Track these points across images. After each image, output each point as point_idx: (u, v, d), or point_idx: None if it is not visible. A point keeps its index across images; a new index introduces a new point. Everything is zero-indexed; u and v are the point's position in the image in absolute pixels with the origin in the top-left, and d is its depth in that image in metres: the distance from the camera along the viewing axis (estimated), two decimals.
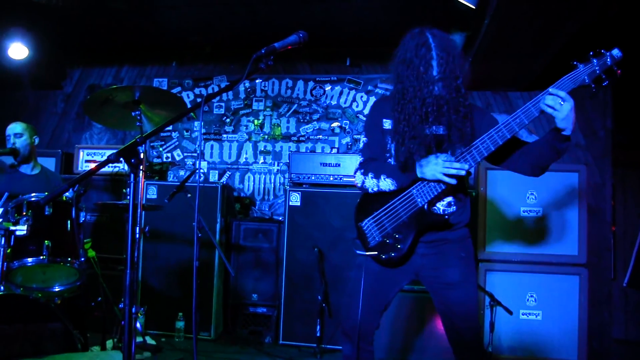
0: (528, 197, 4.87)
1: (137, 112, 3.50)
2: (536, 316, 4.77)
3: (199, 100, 6.41)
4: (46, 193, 3.60)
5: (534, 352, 4.72)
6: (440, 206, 2.71)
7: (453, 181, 2.56)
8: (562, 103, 2.40)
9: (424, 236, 2.73)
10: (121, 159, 1.96)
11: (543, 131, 5.73)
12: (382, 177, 2.71)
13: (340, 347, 2.94)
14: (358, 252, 2.82)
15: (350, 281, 2.92)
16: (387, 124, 2.77)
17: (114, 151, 1.99)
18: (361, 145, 2.91)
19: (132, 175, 2.00)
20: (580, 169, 4.90)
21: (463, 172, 2.55)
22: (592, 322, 4.80)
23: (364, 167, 2.83)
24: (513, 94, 5.97)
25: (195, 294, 3.97)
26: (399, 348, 4.70)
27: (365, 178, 2.79)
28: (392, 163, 2.75)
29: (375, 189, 2.74)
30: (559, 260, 4.79)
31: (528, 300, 4.78)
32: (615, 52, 2.45)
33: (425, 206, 2.66)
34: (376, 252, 2.76)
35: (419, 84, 2.55)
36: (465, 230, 2.80)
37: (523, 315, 4.77)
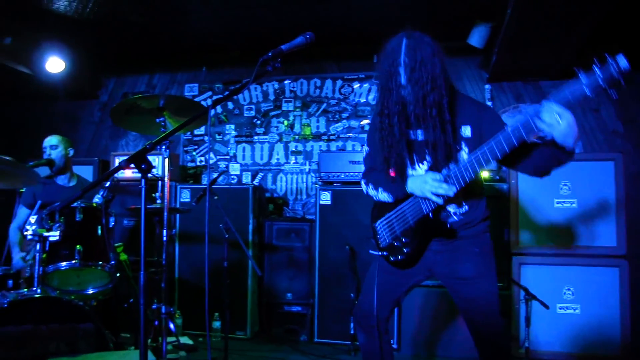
0: (561, 188, 4.78)
1: (161, 119, 3.60)
2: (574, 310, 4.65)
3: (230, 103, 6.53)
4: (81, 202, 3.74)
5: (573, 346, 4.60)
6: (451, 209, 2.68)
7: (440, 201, 2.53)
8: (559, 122, 2.22)
9: (431, 240, 2.74)
10: (132, 165, 2.03)
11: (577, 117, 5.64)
12: (379, 189, 2.84)
13: None
14: (371, 251, 2.92)
15: (367, 273, 2.97)
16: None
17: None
18: (364, 154, 3.00)
19: (142, 180, 2.07)
20: (616, 157, 4.75)
21: (451, 194, 2.49)
22: (635, 316, 4.63)
23: (366, 178, 2.97)
24: (545, 83, 5.85)
25: (227, 295, 4.08)
26: (425, 342, 4.70)
27: (367, 188, 2.94)
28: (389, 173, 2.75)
29: (375, 199, 2.89)
30: (596, 252, 4.66)
31: (565, 293, 4.67)
32: (622, 62, 2.12)
33: (431, 214, 2.65)
34: (386, 253, 2.83)
35: (388, 92, 2.53)
36: (480, 227, 2.73)
37: (560, 309, 4.66)
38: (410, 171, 2.71)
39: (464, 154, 2.57)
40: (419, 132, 2.63)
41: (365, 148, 2.97)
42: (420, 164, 2.69)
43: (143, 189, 2.07)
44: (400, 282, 2.85)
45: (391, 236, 2.80)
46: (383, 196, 2.82)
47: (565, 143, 2.31)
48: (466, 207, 2.69)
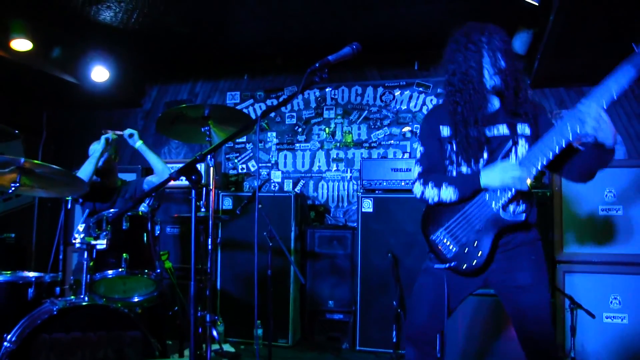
0: (606, 195, 4.64)
1: (206, 128, 3.63)
2: (622, 319, 4.49)
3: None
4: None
5: (621, 357, 4.46)
6: (511, 207, 2.62)
7: (525, 187, 2.48)
8: (599, 122, 2.29)
9: (501, 239, 2.64)
10: (182, 176, 2.04)
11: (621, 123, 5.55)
12: (443, 185, 2.63)
13: None
14: (436, 266, 2.71)
15: (415, 285, 2.86)
16: (445, 130, 2.70)
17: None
18: (418, 155, 2.81)
19: (193, 191, 2.08)
20: None
21: (531, 178, 2.47)
22: None
23: (423, 177, 2.74)
24: (587, 89, 5.69)
25: (270, 302, 4.08)
26: (474, 353, 4.61)
27: (425, 188, 2.70)
28: (453, 172, 2.70)
29: (436, 198, 2.66)
30: None
31: (612, 302, 4.52)
32: None
33: (501, 210, 2.57)
34: (454, 263, 2.67)
35: (478, 79, 2.54)
36: (535, 232, 2.70)
37: (607, 318, 4.51)
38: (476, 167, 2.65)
39: (523, 149, 2.59)
40: (497, 126, 2.62)
41: (420, 148, 2.80)
42: (481, 160, 2.64)
43: (193, 199, 2.09)
44: (455, 294, 2.73)
45: (457, 244, 2.67)
46: (446, 193, 2.61)
47: (605, 141, 2.35)
48: (524, 206, 2.64)
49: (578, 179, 2.65)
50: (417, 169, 2.79)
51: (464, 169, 2.68)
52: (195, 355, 3.77)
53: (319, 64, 2.33)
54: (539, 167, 2.48)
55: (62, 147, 7.07)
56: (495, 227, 2.59)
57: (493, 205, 2.59)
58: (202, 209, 4.16)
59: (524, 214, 2.60)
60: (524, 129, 2.59)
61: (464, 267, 2.65)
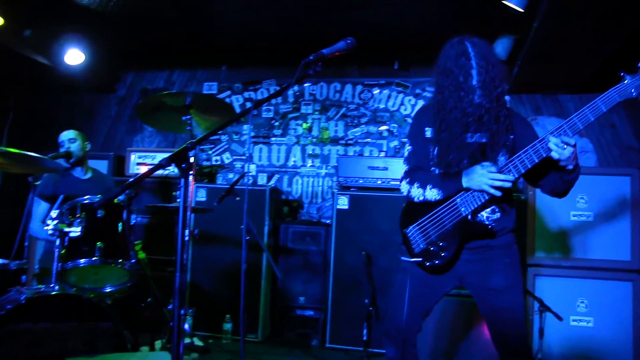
0: (578, 202, 4.73)
1: (187, 117, 3.54)
2: (587, 323, 4.62)
3: (248, 104, 6.49)
4: (99, 196, 3.69)
5: (587, 359, 4.58)
6: (485, 214, 2.71)
7: (498, 193, 2.54)
8: (564, 147, 2.42)
9: (468, 243, 2.73)
10: (172, 164, 1.98)
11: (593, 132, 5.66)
12: (428, 187, 2.72)
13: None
14: (403, 258, 2.85)
15: (394, 284, 2.93)
16: (428, 132, 2.78)
17: (166, 155, 2.02)
18: (406, 153, 2.92)
19: (182, 179, 2.02)
20: (633, 173, 4.73)
21: (509, 184, 2.53)
22: None
23: (409, 176, 2.84)
24: (563, 97, 5.86)
25: (243, 297, 4.01)
26: (444, 353, 4.64)
27: (411, 187, 2.81)
28: (437, 172, 2.76)
29: (421, 198, 2.75)
30: (610, 266, 4.63)
31: (579, 306, 4.64)
32: None
33: (470, 216, 2.66)
34: (421, 259, 2.78)
35: (459, 94, 2.57)
36: (510, 236, 2.79)
37: (574, 321, 4.63)
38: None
39: (502, 159, 2.66)
40: (478, 134, 2.65)
41: (408, 147, 2.90)
42: (461, 166, 2.68)
43: (182, 188, 2.02)
44: (431, 292, 2.84)
45: (426, 241, 2.77)
46: (431, 194, 2.71)
47: (566, 164, 2.50)
48: (499, 214, 2.72)
49: (551, 194, 2.79)
50: (404, 167, 2.90)
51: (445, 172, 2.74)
52: (167, 349, 3.70)
53: (313, 57, 2.30)
54: (515, 176, 2.56)
55: (30, 130, 6.87)
56: (463, 232, 2.69)
57: (462, 210, 2.66)
58: (178, 200, 4.07)
59: (495, 223, 2.69)
60: (504, 138, 2.64)
61: (427, 264, 2.76)
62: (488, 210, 2.70)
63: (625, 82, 2.35)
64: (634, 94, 2.34)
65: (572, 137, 2.42)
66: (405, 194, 2.85)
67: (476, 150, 2.64)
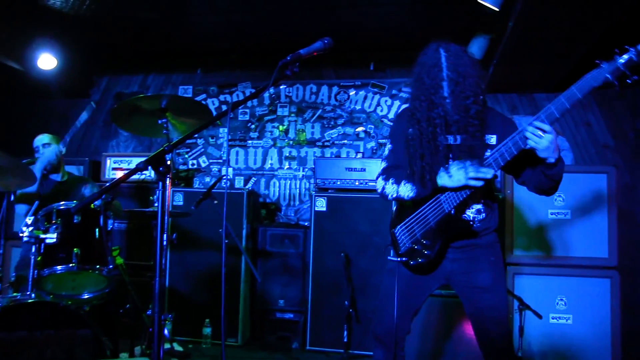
0: (556, 200, 4.77)
1: (163, 120, 3.51)
2: (566, 320, 4.66)
3: (224, 107, 6.46)
4: (75, 201, 3.65)
5: (566, 356, 4.62)
6: (470, 213, 2.73)
7: (479, 183, 2.54)
8: (541, 135, 2.42)
9: (453, 242, 2.74)
10: (149, 167, 1.96)
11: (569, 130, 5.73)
12: (402, 182, 2.73)
13: (368, 353, 2.97)
14: (389, 257, 2.86)
15: (382, 286, 2.94)
16: (410, 133, 2.77)
17: (142, 159, 2.00)
18: (386, 151, 2.93)
19: (160, 183, 2.00)
20: (609, 171, 4.78)
21: (489, 175, 2.53)
22: (627, 327, 4.66)
23: (386, 173, 2.86)
24: (539, 96, 5.92)
25: (223, 301, 3.99)
26: (429, 353, 4.65)
27: (386, 184, 2.82)
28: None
29: (395, 194, 2.77)
30: (588, 263, 4.68)
31: (558, 304, 4.68)
32: None
33: (453, 211, 2.67)
34: (406, 258, 2.78)
35: (428, 104, 2.59)
36: (493, 235, 2.81)
37: (553, 319, 4.67)
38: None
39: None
40: (455, 137, 2.66)
41: (389, 146, 2.91)
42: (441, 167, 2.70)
43: (160, 192, 2.00)
44: (418, 292, 2.85)
45: (411, 240, 2.78)
46: (404, 189, 2.71)
47: (546, 156, 2.49)
48: (484, 214, 2.75)
49: (537, 192, 2.78)
50: (382, 165, 2.92)
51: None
52: (147, 355, 3.67)
53: (290, 57, 2.30)
54: (496, 170, 2.57)
55: (3, 136, 6.76)
56: (447, 230, 2.70)
57: (445, 207, 2.68)
58: (156, 204, 4.05)
59: (479, 223, 2.72)
60: (488, 138, 2.68)
61: (411, 263, 2.77)
62: (473, 210, 2.73)
63: (601, 67, 2.36)
64: (610, 77, 2.34)
65: (549, 126, 2.43)
66: (379, 190, 2.87)
67: (447, 154, 2.68)
